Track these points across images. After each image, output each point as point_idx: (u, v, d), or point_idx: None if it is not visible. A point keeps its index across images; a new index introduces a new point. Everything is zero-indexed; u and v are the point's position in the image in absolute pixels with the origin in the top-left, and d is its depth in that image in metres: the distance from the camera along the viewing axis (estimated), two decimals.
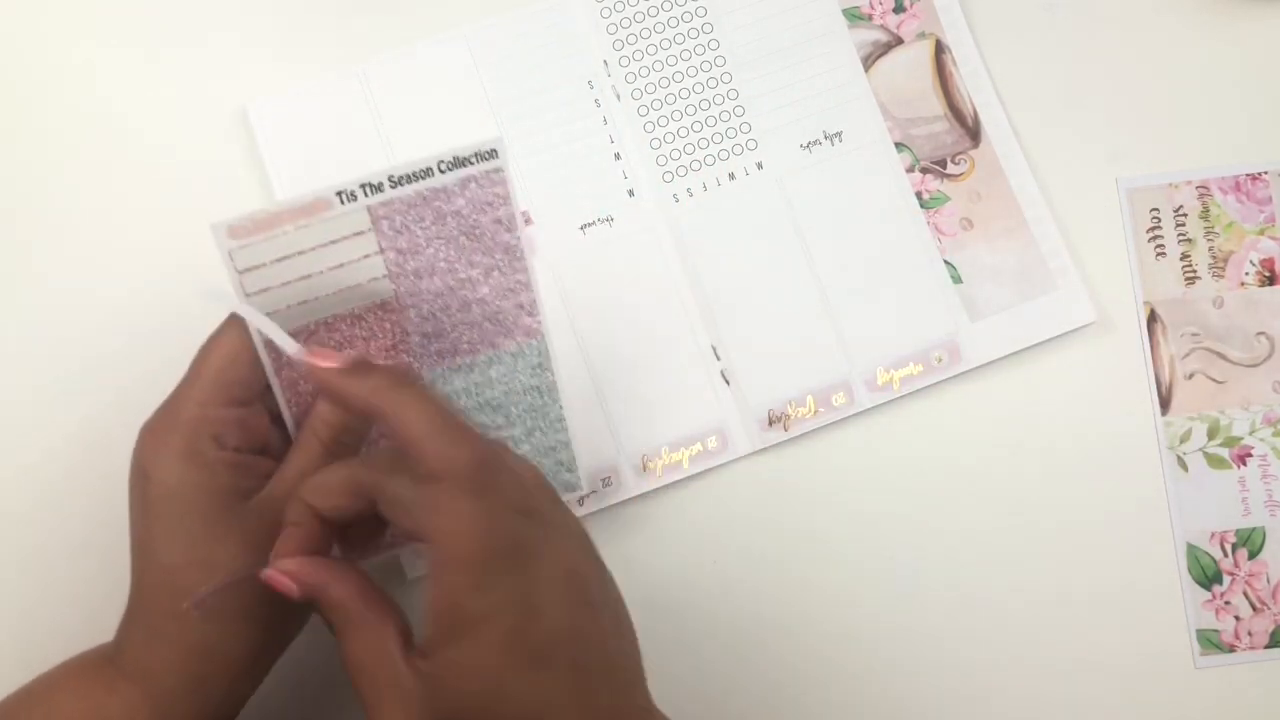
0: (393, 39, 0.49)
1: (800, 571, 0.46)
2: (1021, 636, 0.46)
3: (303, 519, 0.34)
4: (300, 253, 0.36)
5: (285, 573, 0.33)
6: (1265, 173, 0.49)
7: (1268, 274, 0.48)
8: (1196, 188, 0.49)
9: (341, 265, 0.36)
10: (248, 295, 0.35)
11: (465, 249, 0.38)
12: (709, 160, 0.49)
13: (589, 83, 0.49)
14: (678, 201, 0.49)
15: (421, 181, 0.36)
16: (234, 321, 0.36)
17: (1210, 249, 0.49)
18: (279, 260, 0.35)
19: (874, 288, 0.48)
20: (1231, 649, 0.46)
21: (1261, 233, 0.49)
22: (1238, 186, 0.49)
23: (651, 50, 0.50)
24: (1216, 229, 0.49)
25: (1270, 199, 0.49)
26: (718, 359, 0.48)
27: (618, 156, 0.49)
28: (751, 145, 0.49)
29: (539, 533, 0.32)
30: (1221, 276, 0.48)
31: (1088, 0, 0.51)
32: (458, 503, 0.31)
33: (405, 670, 0.31)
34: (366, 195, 0.36)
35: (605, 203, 0.49)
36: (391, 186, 0.36)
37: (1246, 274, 0.48)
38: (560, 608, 0.32)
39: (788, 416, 0.47)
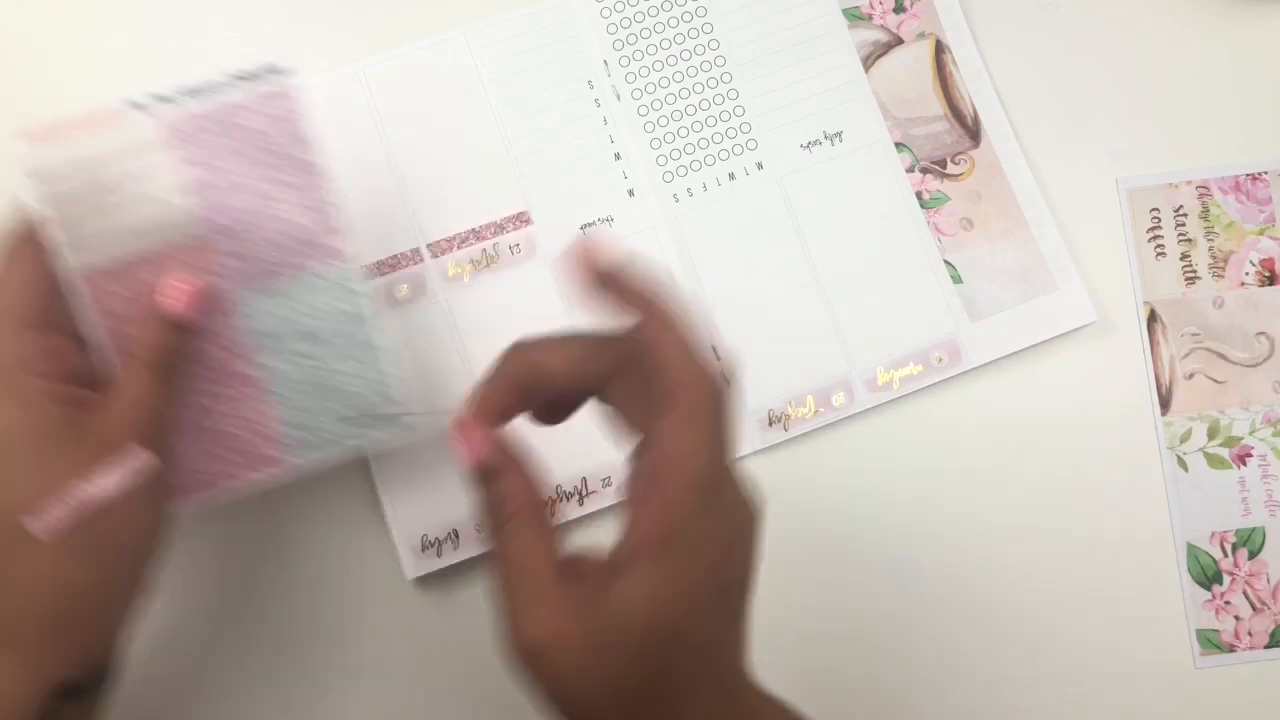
0: (392, 38, 0.49)
1: (800, 571, 0.46)
2: (1021, 636, 0.46)
3: (518, 375, 0.33)
4: (104, 166, 0.37)
5: (470, 439, 0.32)
6: (1265, 173, 0.49)
7: (1268, 274, 0.48)
8: (1196, 188, 0.49)
9: (145, 181, 0.37)
10: (61, 223, 0.36)
11: (266, 166, 0.39)
12: (709, 160, 0.49)
13: (589, 83, 0.49)
14: (678, 201, 0.49)
15: (215, 96, 0.38)
16: (25, 247, 0.35)
17: (1210, 249, 0.49)
18: (81, 173, 0.36)
19: (874, 288, 0.48)
20: (1231, 649, 0.46)
21: (1261, 233, 0.49)
22: (1238, 186, 0.49)
23: (651, 50, 0.50)
24: (1216, 229, 0.49)
25: (1270, 199, 0.49)
26: (718, 359, 0.47)
27: (618, 156, 0.49)
28: (751, 145, 0.49)
29: (739, 475, 0.31)
30: (1221, 276, 0.48)
31: (1089, 1, 0.51)
32: (701, 426, 0.30)
33: (559, 580, 0.30)
34: (159, 105, 0.37)
35: (605, 203, 0.49)
36: (183, 98, 0.38)
37: (1246, 274, 0.48)
38: (749, 553, 0.31)
39: (788, 416, 0.47)
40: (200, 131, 0.38)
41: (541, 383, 0.33)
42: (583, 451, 0.44)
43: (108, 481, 0.33)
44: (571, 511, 0.46)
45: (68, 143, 0.37)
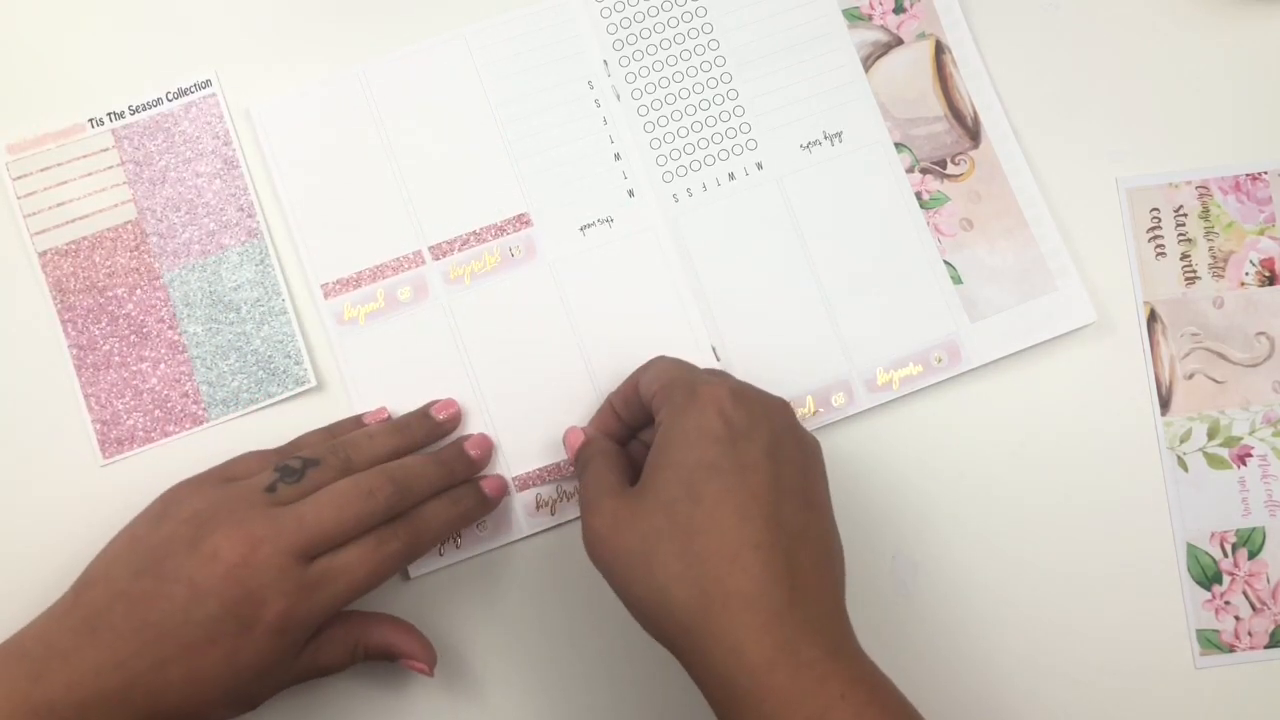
0: (393, 40, 0.49)
1: None
2: (1021, 636, 0.46)
3: (602, 413, 0.45)
4: (60, 164, 0.47)
5: (574, 432, 0.45)
6: (1265, 173, 0.49)
7: (1268, 274, 0.48)
8: (1196, 188, 0.49)
9: (91, 174, 0.47)
10: (26, 216, 0.46)
11: (190, 160, 0.48)
12: (709, 160, 0.49)
13: (589, 83, 0.49)
14: (678, 201, 0.49)
15: (155, 109, 0.48)
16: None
17: (1210, 249, 0.49)
18: (45, 171, 0.47)
19: (874, 288, 0.48)
20: (1231, 649, 0.46)
21: (1261, 233, 0.49)
22: (1238, 186, 0.49)
23: (651, 50, 0.50)
24: (1216, 229, 0.49)
25: (1270, 199, 0.49)
26: (718, 359, 0.48)
27: (618, 156, 0.49)
28: (751, 145, 0.49)
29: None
30: (1221, 276, 0.48)
31: (1089, 1, 0.51)
32: (664, 416, 0.40)
33: (616, 494, 0.39)
34: (111, 120, 0.48)
35: (605, 203, 0.49)
36: (131, 114, 0.48)
37: (1246, 274, 0.48)
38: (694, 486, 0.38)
39: None
40: (141, 137, 0.48)
41: (610, 405, 0.45)
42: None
43: None
44: (573, 511, 0.46)
45: (40, 148, 0.48)
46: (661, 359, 0.43)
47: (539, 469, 0.46)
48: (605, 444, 0.43)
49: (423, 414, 0.46)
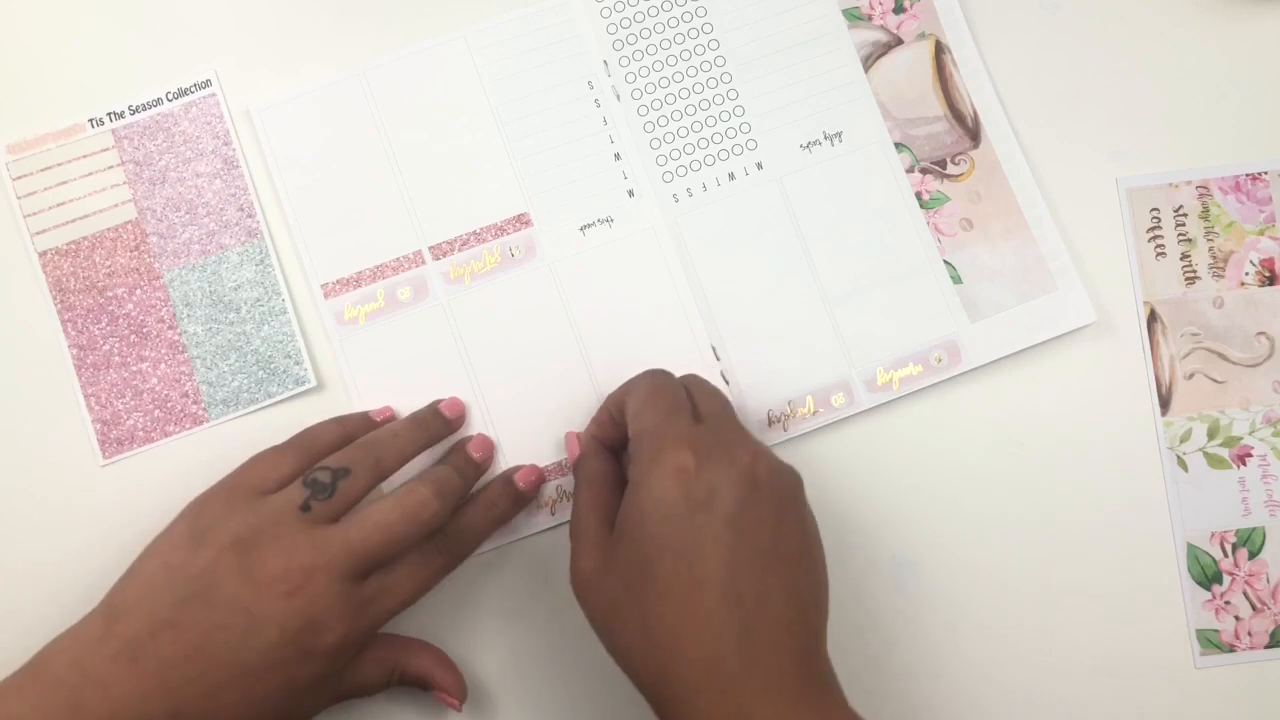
0: (393, 40, 0.49)
1: None
2: (1021, 636, 0.46)
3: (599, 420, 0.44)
4: (60, 164, 0.47)
5: (572, 443, 0.44)
6: (1265, 173, 0.49)
7: (1268, 274, 0.48)
8: (1196, 188, 0.49)
9: (91, 174, 0.47)
10: (26, 216, 0.46)
11: (190, 160, 0.48)
12: (709, 160, 0.49)
13: (589, 83, 0.49)
14: (677, 201, 0.49)
15: (155, 109, 0.48)
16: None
17: (1210, 249, 0.49)
18: (45, 171, 0.47)
19: (874, 288, 0.48)
20: (1231, 649, 0.46)
21: (1261, 233, 0.49)
22: (1238, 186, 0.49)
23: (651, 50, 0.50)
24: (1216, 229, 0.49)
25: (1270, 199, 0.49)
26: (718, 359, 0.48)
27: (618, 156, 0.49)
28: (751, 145, 0.49)
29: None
30: (1221, 276, 0.48)
31: (1089, 1, 0.51)
32: (640, 468, 0.39)
33: (602, 532, 0.39)
34: (111, 120, 0.48)
35: (605, 203, 0.49)
36: (131, 114, 0.48)
37: (1246, 274, 0.48)
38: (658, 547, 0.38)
39: (788, 416, 0.47)
40: (141, 137, 0.48)
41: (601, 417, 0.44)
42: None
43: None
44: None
45: (41, 148, 0.48)
46: (648, 383, 0.42)
47: (539, 469, 0.46)
48: (596, 466, 0.42)
49: (434, 411, 0.46)
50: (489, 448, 0.46)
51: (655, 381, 0.42)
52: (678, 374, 0.44)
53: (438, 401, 0.46)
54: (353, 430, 0.44)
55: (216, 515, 0.39)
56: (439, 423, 0.45)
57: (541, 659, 0.46)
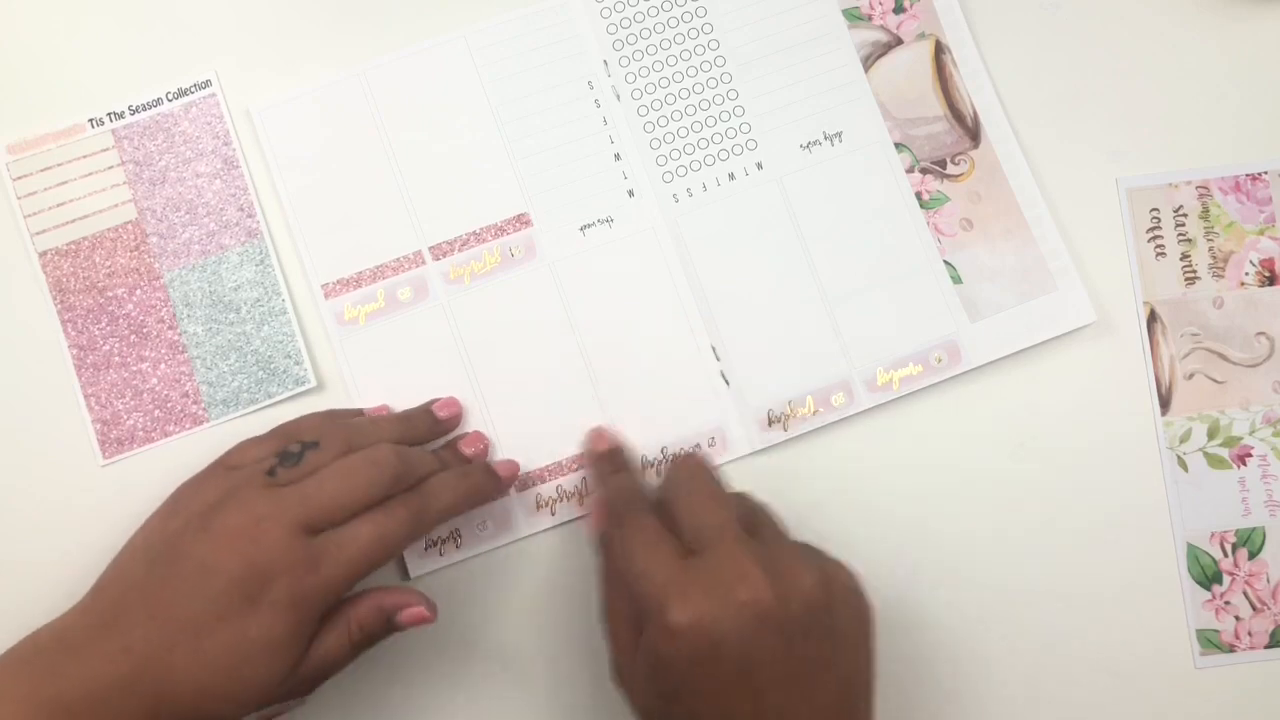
0: (393, 40, 0.49)
1: None
2: (1021, 636, 0.46)
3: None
4: (60, 165, 0.47)
5: (610, 446, 0.44)
6: (1265, 173, 0.49)
7: (1268, 274, 0.48)
8: (1196, 188, 0.49)
9: (91, 174, 0.47)
10: (26, 216, 0.46)
11: (190, 160, 0.48)
12: (709, 160, 0.49)
13: (589, 83, 0.49)
14: (678, 201, 0.49)
15: (155, 109, 0.48)
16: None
17: (1210, 249, 0.49)
18: (45, 172, 0.47)
19: (874, 288, 0.48)
20: (1231, 649, 0.46)
21: (1261, 233, 0.49)
22: (1238, 186, 0.49)
23: (651, 50, 0.50)
24: (1216, 229, 0.49)
25: (1270, 199, 0.49)
26: (718, 359, 0.48)
27: (618, 156, 0.49)
28: (751, 145, 0.49)
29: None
30: (1221, 276, 0.48)
31: (1089, 1, 0.51)
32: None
33: (682, 564, 0.36)
34: (111, 120, 0.48)
35: (605, 203, 0.49)
36: (131, 114, 0.48)
37: (1246, 274, 0.48)
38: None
39: (788, 416, 0.47)
40: (141, 137, 0.48)
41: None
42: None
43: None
44: (573, 511, 0.46)
45: (41, 148, 0.48)
46: (678, 491, 0.40)
47: (539, 469, 0.46)
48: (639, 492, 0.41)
49: (425, 410, 0.46)
50: (454, 406, 0.46)
51: (698, 492, 0.39)
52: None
53: (433, 400, 0.46)
54: (340, 420, 0.44)
55: (192, 489, 0.41)
56: (427, 421, 0.45)
57: (543, 658, 0.46)
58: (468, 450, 0.45)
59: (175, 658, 0.36)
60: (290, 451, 0.40)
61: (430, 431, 0.45)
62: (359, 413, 0.46)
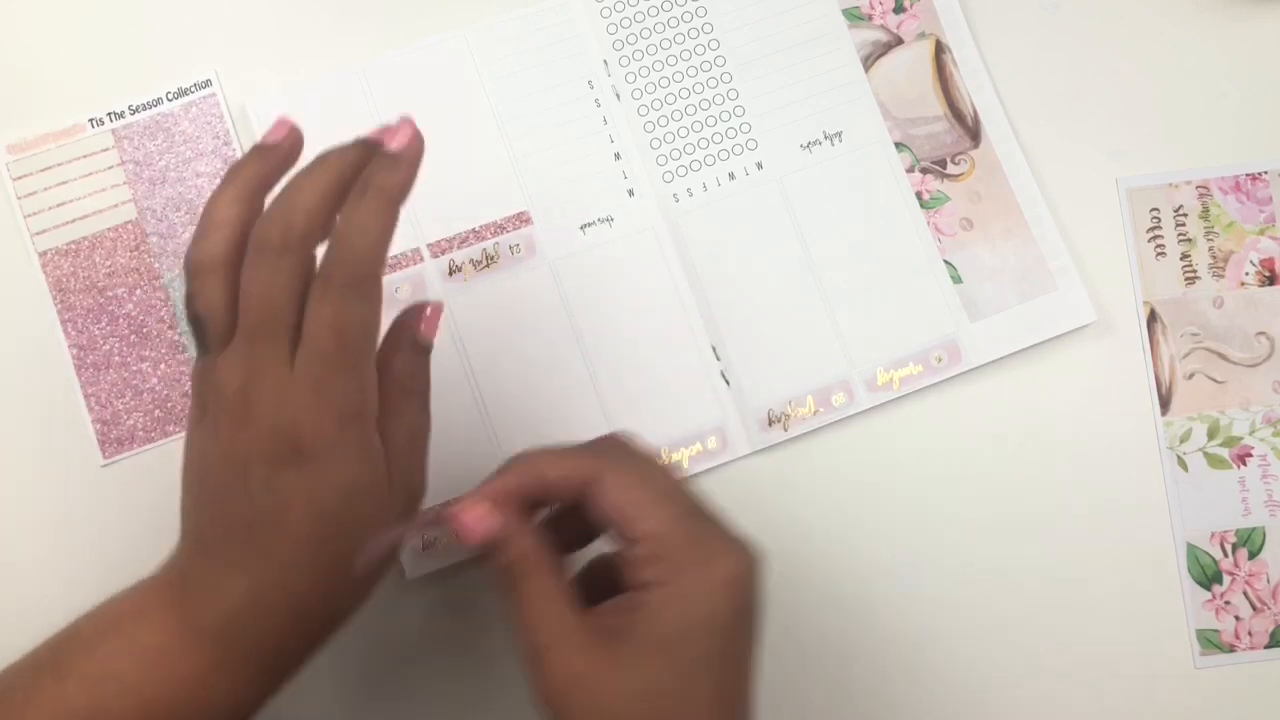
0: (393, 39, 0.49)
1: (799, 571, 0.46)
2: (1021, 636, 0.46)
3: (523, 478, 0.35)
4: (60, 164, 0.47)
5: (481, 515, 0.34)
6: (1265, 173, 0.49)
7: (1268, 274, 0.48)
8: (1196, 188, 0.49)
9: (91, 174, 0.47)
10: (27, 216, 0.46)
11: (190, 160, 0.48)
12: (709, 160, 0.49)
13: (589, 83, 0.49)
14: (678, 201, 0.49)
15: (155, 109, 0.48)
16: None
17: (1210, 249, 0.49)
18: (45, 171, 0.47)
19: (874, 288, 0.48)
20: (1231, 649, 0.46)
21: (1261, 233, 0.49)
22: (1238, 186, 0.49)
23: (651, 50, 0.50)
24: (1216, 229, 0.49)
25: (1270, 199, 0.49)
26: (718, 359, 0.48)
27: (618, 156, 0.49)
28: (751, 145, 0.49)
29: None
30: (1221, 276, 0.48)
31: (1089, 1, 0.51)
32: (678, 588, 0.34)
33: (579, 627, 0.33)
34: (111, 120, 0.48)
35: (605, 203, 0.49)
36: (131, 114, 0.48)
37: (1246, 274, 0.48)
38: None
39: (788, 416, 0.47)
40: (141, 137, 0.48)
41: (540, 477, 0.35)
42: None
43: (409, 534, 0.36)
44: None
45: (41, 148, 0.48)
46: (629, 473, 0.35)
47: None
48: (538, 546, 0.34)
49: (359, 143, 0.34)
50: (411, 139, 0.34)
51: (645, 470, 0.35)
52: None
53: (383, 128, 0.34)
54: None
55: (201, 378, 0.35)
56: (356, 152, 0.34)
57: None
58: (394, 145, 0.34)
59: (245, 562, 0.34)
60: (197, 335, 0.35)
61: (357, 161, 0.34)
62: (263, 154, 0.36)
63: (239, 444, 0.33)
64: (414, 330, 0.37)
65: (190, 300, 0.34)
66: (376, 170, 0.33)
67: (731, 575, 0.33)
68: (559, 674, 0.33)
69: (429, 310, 0.37)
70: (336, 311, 0.33)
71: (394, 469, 0.35)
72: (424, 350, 0.37)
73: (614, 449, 0.36)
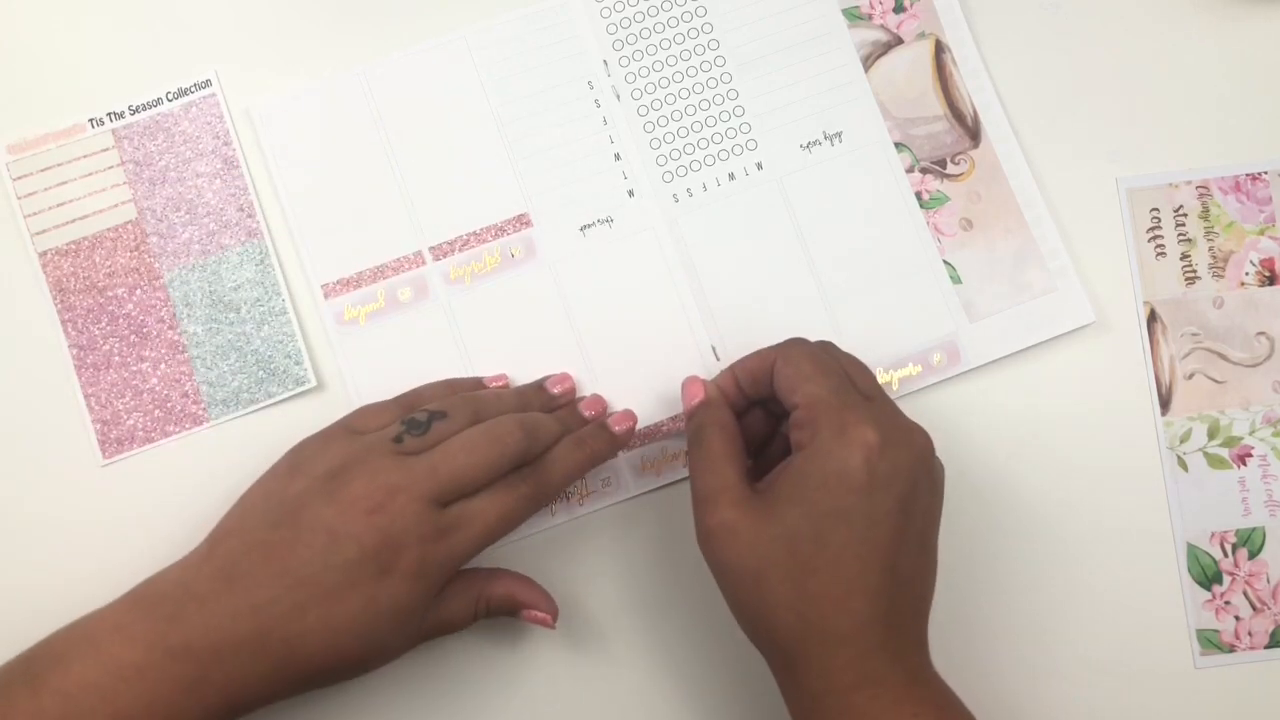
0: (394, 40, 0.49)
1: None
2: (1021, 636, 0.46)
3: (727, 372, 0.43)
4: (60, 165, 0.47)
5: (698, 384, 0.43)
6: (1265, 173, 0.49)
7: (1268, 274, 0.48)
8: (1196, 188, 0.49)
9: (91, 174, 0.47)
10: (27, 216, 0.47)
11: (190, 160, 0.48)
12: (709, 160, 0.49)
13: (589, 83, 0.49)
14: (678, 201, 0.49)
15: (155, 109, 0.48)
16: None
17: (1210, 249, 0.49)
18: (45, 172, 0.47)
19: (873, 288, 0.48)
20: (1231, 649, 0.46)
21: (1261, 233, 0.49)
22: (1238, 186, 0.49)
23: (651, 50, 0.50)
24: (1216, 229, 0.49)
25: (1270, 199, 0.49)
26: (718, 359, 0.48)
27: (618, 156, 0.49)
28: (751, 145, 0.49)
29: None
30: (1221, 276, 0.48)
31: (1089, 1, 0.51)
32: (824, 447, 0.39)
33: (740, 482, 0.39)
34: (111, 120, 0.48)
35: (605, 203, 0.49)
36: (131, 114, 0.48)
37: (1246, 274, 0.48)
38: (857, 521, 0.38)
39: None
40: (141, 137, 0.48)
41: (738, 368, 0.43)
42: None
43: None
44: (572, 510, 0.46)
45: (41, 148, 0.48)
46: (809, 351, 0.41)
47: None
48: (723, 415, 0.42)
49: (538, 386, 0.46)
50: (567, 381, 0.46)
51: (816, 351, 0.41)
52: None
53: (547, 377, 0.47)
54: (460, 390, 0.45)
55: (314, 450, 0.41)
56: (542, 398, 0.46)
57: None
58: (588, 413, 0.45)
59: (307, 621, 0.37)
60: (418, 420, 0.41)
61: (544, 408, 0.45)
62: (478, 382, 0.46)
63: (348, 523, 0.38)
64: (525, 609, 0.43)
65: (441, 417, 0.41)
66: (599, 436, 0.44)
67: (866, 442, 0.37)
68: (713, 520, 0.38)
69: (541, 617, 0.43)
70: (513, 508, 0.40)
71: (421, 628, 0.40)
72: (514, 613, 0.43)
73: (793, 341, 0.42)
